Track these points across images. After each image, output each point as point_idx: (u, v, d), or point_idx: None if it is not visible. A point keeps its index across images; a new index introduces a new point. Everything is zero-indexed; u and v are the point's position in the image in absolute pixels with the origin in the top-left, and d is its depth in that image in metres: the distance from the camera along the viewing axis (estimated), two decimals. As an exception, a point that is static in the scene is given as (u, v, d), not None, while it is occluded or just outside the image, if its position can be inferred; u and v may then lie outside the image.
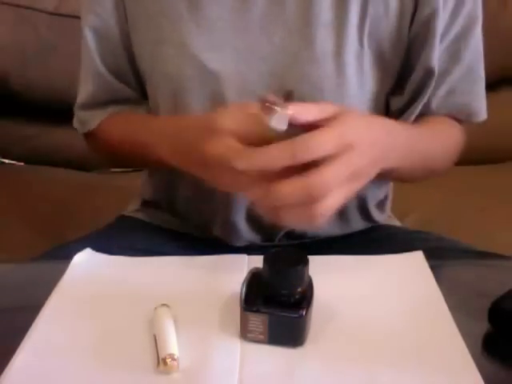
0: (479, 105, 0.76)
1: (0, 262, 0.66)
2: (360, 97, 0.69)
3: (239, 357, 0.49)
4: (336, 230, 0.80)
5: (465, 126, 0.77)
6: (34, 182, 1.34)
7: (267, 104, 0.51)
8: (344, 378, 0.47)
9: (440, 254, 0.68)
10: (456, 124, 0.76)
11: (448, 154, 0.76)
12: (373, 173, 0.56)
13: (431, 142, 0.72)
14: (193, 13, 0.68)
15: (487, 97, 0.75)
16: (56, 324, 0.53)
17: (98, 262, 0.63)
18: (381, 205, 0.83)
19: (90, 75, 0.76)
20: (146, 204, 0.87)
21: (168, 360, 0.46)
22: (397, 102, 0.73)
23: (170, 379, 0.46)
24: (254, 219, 0.75)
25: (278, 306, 0.48)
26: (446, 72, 0.72)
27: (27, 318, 0.53)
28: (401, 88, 0.73)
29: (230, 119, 0.53)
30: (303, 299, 0.49)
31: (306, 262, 0.49)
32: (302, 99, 0.66)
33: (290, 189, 0.49)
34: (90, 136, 0.80)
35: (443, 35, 0.70)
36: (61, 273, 0.60)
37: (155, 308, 0.53)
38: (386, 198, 0.84)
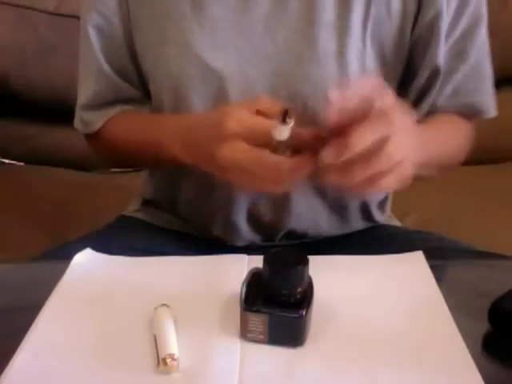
0: (487, 102, 0.76)
1: (0, 262, 0.66)
2: None
3: (239, 357, 0.49)
4: (336, 230, 0.80)
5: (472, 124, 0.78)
6: (34, 182, 1.34)
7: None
8: (344, 378, 0.47)
9: (440, 254, 0.68)
10: (464, 120, 0.76)
11: (459, 149, 0.77)
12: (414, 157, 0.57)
13: (443, 137, 0.72)
14: (196, 13, 0.68)
15: (488, 96, 0.75)
16: (56, 324, 0.53)
17: (97, 262, 0.63)
18: (381, 205, 0.83)
19: (93, 75, 0.76)
20: (146, 204, 0.87)
21: (168, 360, 0.46)
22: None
23: (170, 379, 0.46)
24: (254, 219, 0.75)
25: (278, 306, 0.48)
26: (451, 71, 0.72)
27: (27, 318, 0.53)
28: (404, 89, 0.73)
29: (236, 123, 0.55)
30: (303, 299, 0.49)
31: (306, 262, 0.49)
32: (305, 99, 0.66)
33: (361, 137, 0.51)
34: (92, 136, 0.80)
35: (448, 35, 0.70)
36: (61, 273, 0.60)
37: (155, 308, 0.53)
38: (386, 198, 0.84)
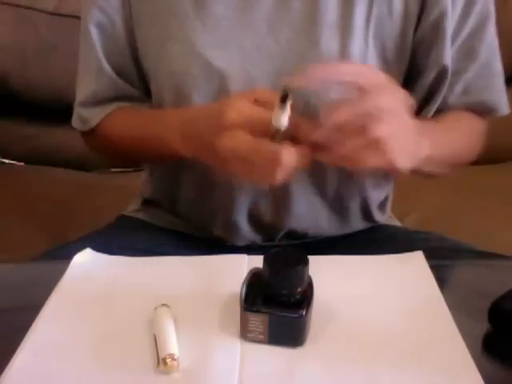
0: (498, 99, 0.76)
1: (0, 262, 0.66)
2: None
3: (239, 357, 0.49)
4: (336, 230, 0.80)
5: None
6: (34, 182, 1.34)
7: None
8: (344, 378, 0.47)
9: (440, 254, 0.68)
10: (477, 117, 0.76)
11: (471, 146, 0.77)
12: (415, 146, 0.59)
13: (453, 134, 0.73)
14: (198, 11, 0.68)
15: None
16: (56, 324, 0.53)
17: (97, 262, 0.63)
18: (382, 205, 0.83)
19: (93, 73, 0.76)
20: (146, 204, 0.87)
21: (168, 360, 0.46)
22: None
23: (170, 379, 0.46)
24: (254, 219, 0.75)
25: (278, 306, 0.48)
26: (461, 70, 0.72)
27: (27, 318, 0.53)
28: (410, 89, 0.73)
29: (236, 113, 0.55)
30: (303, 299, 0.49)
31: (306, 262, 0.49)
32: (307, 97, 0.66)
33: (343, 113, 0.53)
34: (88, 134, 0.79)
35: (456, 34, 0.70)
36: (61, 273, 0.60)
37: (155, 308, 0.53)
38: (386, 198, 0.84)
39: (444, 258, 0.67)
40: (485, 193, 1.27)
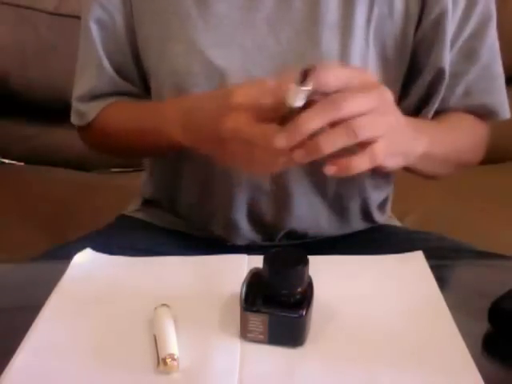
0: (499, 102, 0.75)
1: (0, 262, 0.66)
2: None
3: (239, 357, 0.49)
4: (336, 230, 0.80)
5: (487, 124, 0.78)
6: (34, 182, 1.34)
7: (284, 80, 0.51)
8: (344, 378, 0.47)
9: (440, 254, 0.68)
10: (479, 120, 0.76)
11: (474, 146, 0.77)
12: (410, 142, 0.57)
13: (458, 132, 0.73)
14: (200, 9, 0.68)
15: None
16: (56, 324, 0.53)
17: (97, 262, 0.63)
18: (382, 206, 0.83)
19: (93, 69, 0.75)
20: (146, 203, 0.87)
21: (168, 360, 0.46)
22: (404, 104, 0.73)
23: (170, 379, 0.46)
24: (255, 218, 0.75)
25: (278, 306, 0.48)
26: (462, 72, 0.72)
27: (27, 318, 0.53)
28: (408, 89, 0.73)
29: (244, 95, 0.54)
30: (303, 299, 0.49)
31: (306, 262, 0.49)
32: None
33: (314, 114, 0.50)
34: (84, 128, 0.79)
35: (457, 35, 0.70)
36: (61, 273, 0.60)
37: (155, 308, 0.53)
38: (386, 199, 0.84)
39: (444, 258, 0.67)
40: (485, 193, 1.27)
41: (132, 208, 0.88)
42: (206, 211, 0.77)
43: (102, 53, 0.74)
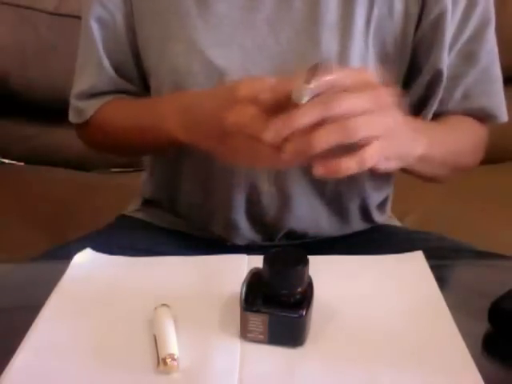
0: (498, 105, 0.75)
1: (0, 262, 0.66)
2: None
3: (239, 357, 0.49)
4: (336, 231, 0.80)
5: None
6: (34, 182, 1.34)
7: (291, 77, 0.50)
8: (344, 378, 0.47)
9: (440, 254, 0.68)
10: (478, 123, 0.76)
11: (473, 148, 0.77)
12: (408, 143, 0.56)
13: (458, 134, 0.73)
14: (201, 9, 0.68)
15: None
16: (56, 324, 0.53)
17: (97, 262, 0.63)
18: (381, 206, 0.83)
19: (92, 68, 0.75)
20: (146, 203, 0.87)
21: (168, 360, 0.46)
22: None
23: (170, 379, 0.46)
24: (254, 218, 0.75)
25: (278, 306, 0.48)
26: (461, 75, 0.72)
27: (27, 318, 0.53)
28: (408, 90, 0.73)
29: (248, 88, 0.54)
30: (303, 299, 0.49)
31: (306, 262, 0.49)
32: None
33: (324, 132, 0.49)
34: (83, 126, 0.78)
35: (456, 38, 0.70)
36: (61, 273, 0.60)
37: (155, 308, 0.53)
38: (386, 199, 0.84)
39: (444, 258, 0.67)
40: (485, 193, 1.27)
41: (132, 208, 0.88)
42: (206, 211, 0.77)
43: (102, 52, 0.74)
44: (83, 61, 0.77)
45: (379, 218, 0.83)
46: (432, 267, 0.60)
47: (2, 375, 0.47)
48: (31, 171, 1.43)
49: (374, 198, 0.80)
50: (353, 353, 0.49)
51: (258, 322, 0.49)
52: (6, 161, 1.46)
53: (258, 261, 0.50)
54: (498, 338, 0.52)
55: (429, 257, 0.62)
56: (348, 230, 0.81)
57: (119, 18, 0.73)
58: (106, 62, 0.75)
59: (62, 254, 0.64)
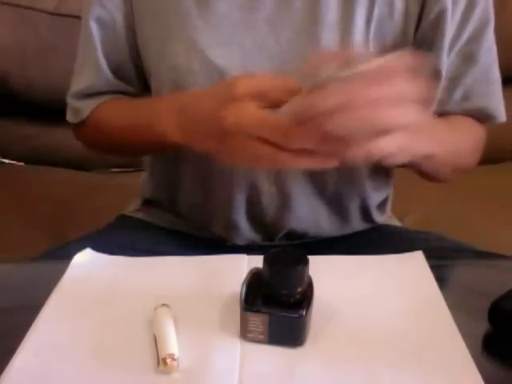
0: (496, 106, 0.75)
1: (0, 262, 0.66)
2: None
3: (239, 357, 0.49)
4: (336, 231, 0.80)
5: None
6: (34, 182, 1.34)
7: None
8: (344, 378, 0.47)
9: (440, 254, 0.68)
10: (476, 122, 0.76)
11: (472, 149, 0.76)
12: (418, 140, 0.54)
13: (459, 134, 0.72)
14: (201, 9, 0.68)
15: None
16: (56, 324, 0.53)
17: (98, 262, 0.63)
18: (381, 206, 0.83)
19: (91, 68, 0.75)
20: (146, 203, 0.87)
21: (168, 360, 0.46)
22: None
23: (170, 379, 0.46)
24: (254, 218, 0.75)
25: (278, 306, 0.48)
26: (461, 75, 0.72)
27: (27, 318, 0.53)
28: None
29: (247, 85, 0.53)
30: (303, 299, 0.49)
31: (306, 262, 0.49)
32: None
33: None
34: (80, 126, 0.78)
35: (455, 38, 0.70)
36: (61, 273, 0.60)
37: (155, 308, 0.53)
38: (386, 199, 0.84)
39: (444, 258, 0.67)
40: (485, 193, 1.27)
41: (132, 208, 0.88)
42: (206, 211, 0.77)
43: (100, 52, 0.74)
44: (82, 61, 0.77)
45: (379, 218, 0.83)
46: (432, 267, 0.60)
47: (2, 375, 0.47)
48: (31, 171, 1.43)
49: (374, 198, 0.80)
50: (353, 353, 0.49)
51: (258, 322, 0.49)
52: (6, 161, 1.46)
53: (258, 261, 0.50)
54: (498, 338, 0.52)
55: (429, 257, 0.62)
56: (348, 230, 0.81)
57: (119, 19, 0.73)
58: (104, 63, 0.74)
59: (62, 254, 0.64)
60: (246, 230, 0.76)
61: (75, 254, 0.63)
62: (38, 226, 1.15)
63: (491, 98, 0.75)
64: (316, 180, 0.73)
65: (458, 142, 0.72)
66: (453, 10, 0.68)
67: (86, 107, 0.76)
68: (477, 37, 0.71)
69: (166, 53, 0.70)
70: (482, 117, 0.75)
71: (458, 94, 0.73)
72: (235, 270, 0.59)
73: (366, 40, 0.68)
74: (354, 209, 0.79)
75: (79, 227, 0.82)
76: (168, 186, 0.80)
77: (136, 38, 0.73)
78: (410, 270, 0.61)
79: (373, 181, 0.77)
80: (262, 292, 0.49)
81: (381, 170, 0.78)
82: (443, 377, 0.47)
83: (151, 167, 0.85)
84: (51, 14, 1.35)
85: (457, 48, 0.71)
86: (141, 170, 0.92)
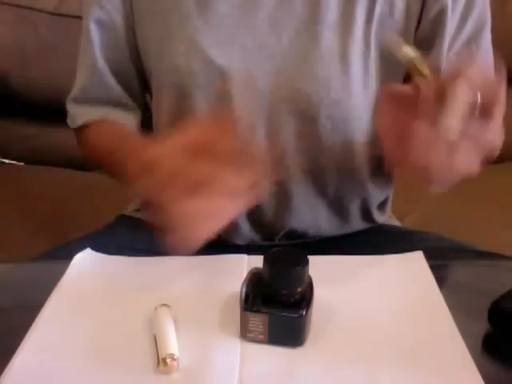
0: None
1: (0, 262, 0.66)
2: (365, 96, 0.69)
3: (239, 357, 0.49)
4: (336, 230, 0.80)
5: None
6: (34, 181, 1.34)
7: None
8: (344, 378, 0.47)
9: (440, 254, 0.68)
10: None
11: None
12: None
13: None
14: (201, 9, 0.68)
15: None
16: (56, 324, 0.53)
17: (97, 262, 0.63)
18: (382, 206, 0.83)
19: (87, 70, 0.76)
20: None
21: (168, 360, 0.46)
22: None
23: (170, 379, 0.47)
24: (255, 218, 0.75)
25: (277, 306, 0.48)
26: None
27: (27, 318, 0.53)
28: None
29: (168, 167, 0.48)
30: (303, 299, 0.49)
31: (306, 262, 0.49)
32: (308, 97, 0.66)
33: None
34: (77, 131, 0.79)
35: (454, 39, 0.70)
36: (61, 273, 0.60)
37: (155, 308, 0.53)
38: (387, 199, 0.84)
39: (444, 258, 0.67)
40: (485, 193, 1.27)
41: (132, 208, 0.88)
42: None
43: (98, 54, 0.74)
44: (80, 63, 0.78)
45: (379, 218, 0.83)
46: (432, 267, 0.60)
47: (2, 375, 0.47)
48: (31, 171, 1.43)
49: (375, 198, 0.80)
50: (353, 353, 0.49)
51: (257, 321, 0.49)
52: (6, 161, 1.46)
53: (258, 261, 0.50)
54: (498, 338, 0.52)
55: (429, 257, 0.62)
56: (348, 230, 0.81)
57: (118, 19, 0.73)
58: (101, 64, 0.74)
59: (62, 254, 0.64)
60: (246, 230, 0.76)
61: (75, 254, 0.63)
62: (38, 226, 1.15)
63: None
64: (317, 181, 0.73)
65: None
66: (452, 9, 0.68)
67: (80, 115, 0.77)
68: (475, 37, 0.71)
69: (166, 53, 0.70)
70: None
71: None
72: (235, 270, 0.59)
73: (367, 39, 0.68)
74: (354, 209, 0.79)
75: (79, 227, 0.82)
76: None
77: (136, 39, 0.73)
78: (409, 270, 0.61)
79: (374, 181, 0.77)
80: (261, 292, 0.49)
81: (382, 171, 0.78)
82: (443, 377, 0.47)
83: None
84: (51, 14, 1.35)
85: (456, 48, 0.71)
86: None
